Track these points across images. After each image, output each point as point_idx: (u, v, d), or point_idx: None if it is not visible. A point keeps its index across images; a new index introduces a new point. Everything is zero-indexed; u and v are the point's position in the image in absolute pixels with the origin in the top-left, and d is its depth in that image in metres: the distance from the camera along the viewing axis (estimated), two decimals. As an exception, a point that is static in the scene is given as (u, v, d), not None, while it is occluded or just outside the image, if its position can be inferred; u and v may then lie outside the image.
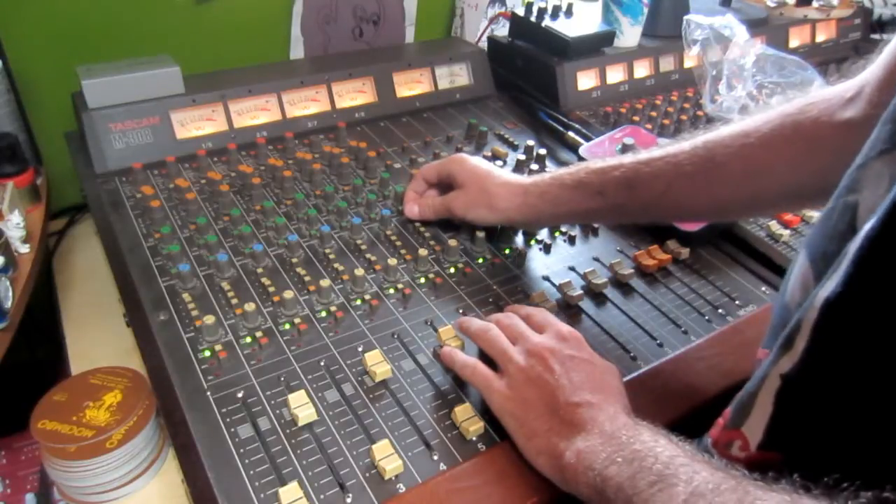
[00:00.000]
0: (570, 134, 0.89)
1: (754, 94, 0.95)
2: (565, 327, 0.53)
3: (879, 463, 0.34)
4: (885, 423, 0.34)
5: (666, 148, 0.60)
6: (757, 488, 0.35)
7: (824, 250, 0.39)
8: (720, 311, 0.65)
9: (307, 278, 0.63)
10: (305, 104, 0.88)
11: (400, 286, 0.63)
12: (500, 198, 0.66)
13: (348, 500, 0.45)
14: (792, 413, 0.38)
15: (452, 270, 0.66)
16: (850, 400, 0.35)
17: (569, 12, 1.00)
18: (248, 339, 0.56)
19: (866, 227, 0.33)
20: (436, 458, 0.48)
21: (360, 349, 0.56)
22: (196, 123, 0.81)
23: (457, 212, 0.69)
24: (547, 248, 0.71)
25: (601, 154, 0.80)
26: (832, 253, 0.37)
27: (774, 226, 0.76)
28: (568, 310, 0.63)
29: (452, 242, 0.67)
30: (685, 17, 1.01)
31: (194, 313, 0.58)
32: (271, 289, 0.61)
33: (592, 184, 0.62)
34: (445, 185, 0.72)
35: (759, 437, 0.40)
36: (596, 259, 0.70)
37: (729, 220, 0.74)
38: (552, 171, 0.67)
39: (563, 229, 0.73)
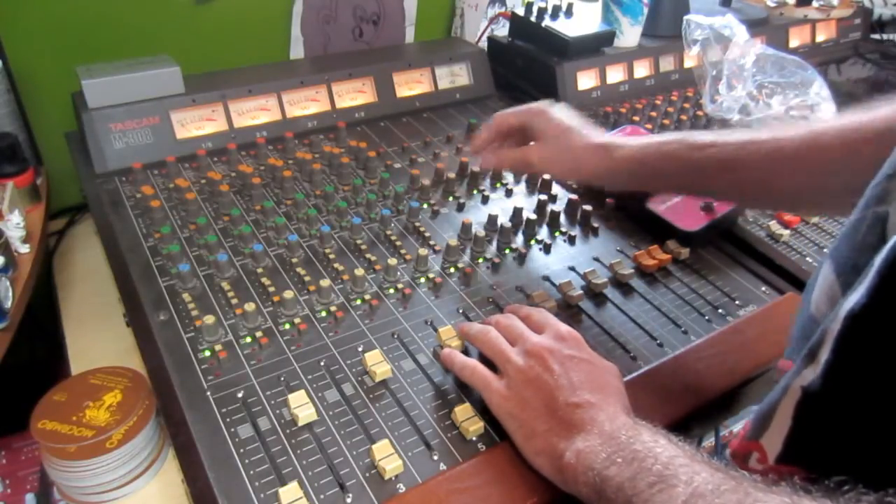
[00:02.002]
0: (570, 134, 0.88)
1: (754, 94, 0.95)
2: (564, 327, 0.53)
3: None
4: None
5: (769, 131, 0.58)
6: (757, 490, 0.35)
7: (854, 262, 0.38)
8: (720, 311, 0.65)
9: (307, 278, 0.63)
10: (305, 104, 0.88)
11: (400, 286, 0.63)
12: (585, 159, 0.64)
13: (348, 500, 0.45)
14: (811, 426, 0.38)
15: (452, 270, 0.66)
16: (872, 415, 0.34)
17: (569, 12, 1.00)
18: (248, 339, 0.56)
19: (893, 240, 0.32)
20: (436, 458, 0.48)
21: (360, 349, 0.56)
22: (196, 123, 0.81)
23: (536, 166, 0.68)
24: (547, 248, 0.71)
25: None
26: (862, 265, 0.36)
27: (774, 226, 0.76)
28: (568, 310, 0.63)
29: (452, 242, 0.67)
30: (685, 17, 1.01)
31: (194, 313, 0.58)
32: (271, 289, 0.61)
33: (686, 159, 0.60)
34: (520, 136, 0.70)
35: (778, 450, 0.39)
36: (596, 259, 0.70)
37: (822, 213, 0.75)
38: (640, 136, 0.65)
39: (563, 229, 0.73)
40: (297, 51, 1.01)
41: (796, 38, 1.25)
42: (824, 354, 0.36)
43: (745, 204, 0.71)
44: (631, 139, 0.65)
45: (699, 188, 0.64)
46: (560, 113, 0.68)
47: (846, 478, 0.32)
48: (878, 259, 0.33)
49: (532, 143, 0.69)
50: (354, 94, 0.91)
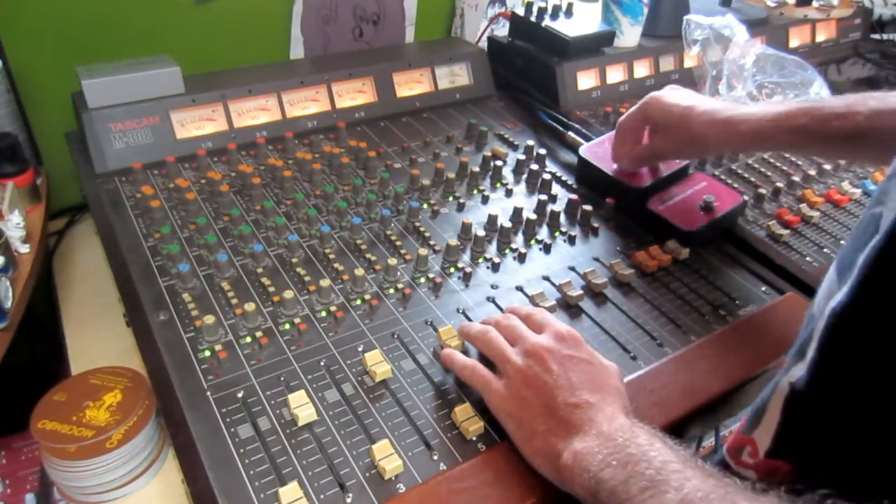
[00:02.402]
0: (570, 134, 0.89)
1: (754, 94, 0.95)
2: (564, 327, 0.53)
3: (883, 476, 0.34)
4: (888, 436, 0.34)
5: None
6: (745, 498, 0.35)
7: (850, 261, 0.39)
8: (720, 311, 0.65)
9: (307, 278, 0.63)
10: (305, 104, 0.88)
11: (400, 286, 0.63)
12: (709, 138, 0.65)
13: (348, 500, 0.45)
14: (798, 422, 0.38)
15: (452, 270, 0.66)
16: (855, 410, 0.35)
17: (569, 12, 1.00)
18: (248, 339, 0.56)
19: (874, 240, 0.33)
20: (436, 458, 0.48)
21: (360, 349, 0.56)
22: (196, 123, 0.81)
23: (667, 155, 0.71)
24: (547, 248, 0.71)
25: (601, 154, 0.80)
26: (857, 264, 0.37)
27: (774, 226, 0.76)
28: (568, 310, 0.63)
29: (452, 242, 0.67)
30: (685, 17, 1.01)
31: (194, 313, 0.58)
32: (271, 289, 0.61)
33: (814, 132, 0.60)
34: (645, 129, 0.73)
35: (767, 445, 0.40)
36: (596, 259, 0.70)
37: None
38: (762, 105, 0.65)
39: (563, 229, 0.73)
40: (297, 51, 1.01)
41: (796, 38, 1.25)
42: (811, 351, 0.36)
43: (877, 166, 0.73)
44: (755, 109, 0.64)
45: (829, 157, 0.69)
46: (673, 97, 0.69)
47: (830, 490, 0.33)
48: (861, 258, 0.33)
49: (656, 134, 0.71)
50: (354, 94, 0.91)
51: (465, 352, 0.56)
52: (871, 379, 0.34)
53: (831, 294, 0.41)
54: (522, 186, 0.81)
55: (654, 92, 0.71)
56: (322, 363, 0.55)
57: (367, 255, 0.67)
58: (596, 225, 0.75)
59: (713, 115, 0.65)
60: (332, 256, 0.66)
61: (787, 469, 0.39)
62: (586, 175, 0.81)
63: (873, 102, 0.58)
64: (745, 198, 0.79)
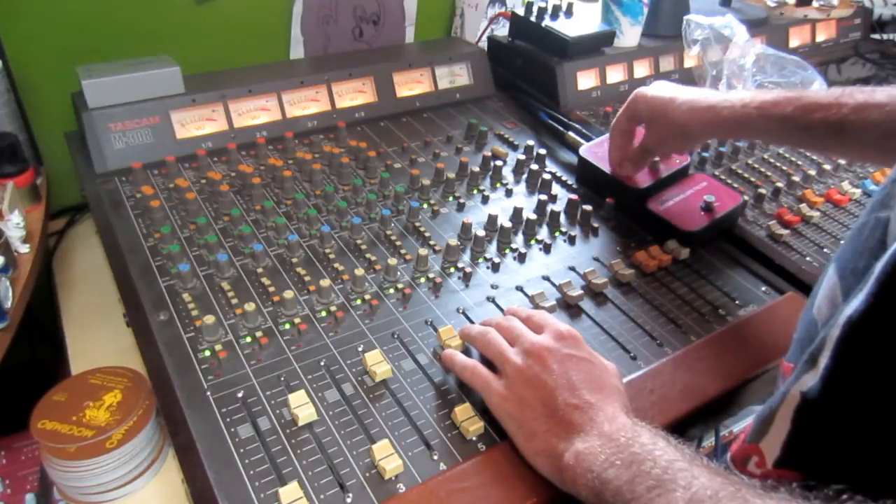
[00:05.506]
0: (570, 134, 0.89)
1: (754, 94, 0.95)
2: (564, 327, 0.52)
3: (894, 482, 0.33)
4: None
5: (885, 93, 0.57)
6: (755, 496, 0.34)
7: (854, 265, 0.39)
8: (720, 311, 0.65)
9: (307, 278, 0.63)
10: (305, 104, 0.88)
11: (400, 286, 0.63)
12: (692, 125, 0.65)
13: (348, 500, 0.45)
14: (810, 431, 0.38)
15: (452, 270, 0.66)
16: (870, 422, 0.34)
17: (569, 12, 1.00)
18: (248, 339, 0.56)
19: (893, 247, 0.32)
20: (436, 458, 0.48)
21: (360, 349, 0.56)
22: (196, 123, 0.81)
23: (655, 150, 0.71)
24: (547, 248, 0.71)
25: (601, 154, 0.80)
26: (862, 269, 0.36)
27: (774, 226, 0.76)
28: (568, 310, 0.63)
29: (452, 242, 0.67)
30: (685, 17, 1.01)
31: (194, 313, 0.58)
32: (271, 289, 0.61)
33: (797, 121, 0.60)
34: (635, 127, 0.73)
35: (776, 454, 0.39)
36: (596, 259, 0.70)
37: None
38: (747, 92, 0.65)
39: (563, 229, 0.73)
40: (297, 51, 1.01)
41: (796, 38, 1.25)
42: (824, 360, 0.36)
43: (854, 160, 0.75)
44: (740, 95, 0.64)
45: (810, 148, 0.69)
46: (656, 90, 0.69)
47: (844, 486, 0.32)
48: (878, 266, 0.33)
49: (645, 131, 0.71)
50: (354, 94, 0.91)
51: (466, 352, 0.56)
52: (888, 388, 0.33)
53: (835, 298, 0.40)
54: (522, 186, 0.81)
55: (640, 88, 0.71)
56: (322, 363, 0.55)
57: (367, 255, 0.67)
58: (596, 225, 0.75)
59: (694, 104, 0.65)
60: (332, 256, 0.66)
61: (795, 478, 0.38)
62: (586, 175, 0.81)
63: (860, 95, 0.58)
64: (745, 198, 0.79)
